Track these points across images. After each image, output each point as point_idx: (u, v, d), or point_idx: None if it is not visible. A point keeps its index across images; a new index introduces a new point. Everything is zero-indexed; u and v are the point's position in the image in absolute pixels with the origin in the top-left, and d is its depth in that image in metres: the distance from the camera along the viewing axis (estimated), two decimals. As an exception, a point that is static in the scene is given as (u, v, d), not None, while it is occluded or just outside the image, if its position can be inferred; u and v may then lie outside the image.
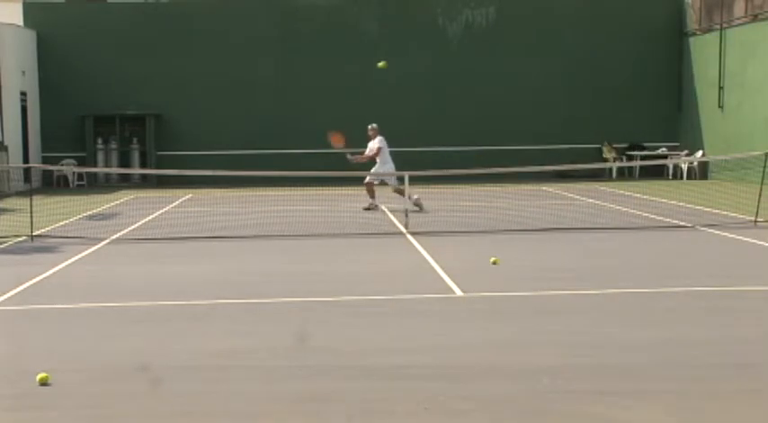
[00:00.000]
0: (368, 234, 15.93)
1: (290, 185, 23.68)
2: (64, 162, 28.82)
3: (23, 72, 28.61)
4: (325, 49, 30.28)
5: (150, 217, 19.17)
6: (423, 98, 30.29)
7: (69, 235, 16.07)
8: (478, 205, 19.85)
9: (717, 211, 18.26)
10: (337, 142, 20.01)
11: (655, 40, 30.89)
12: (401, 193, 18.42)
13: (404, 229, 16.12)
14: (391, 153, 20.04)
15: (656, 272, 11.66)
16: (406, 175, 17.20)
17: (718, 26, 28.25)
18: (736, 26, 27.56)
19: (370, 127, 20.00)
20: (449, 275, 11.39)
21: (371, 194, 19.67)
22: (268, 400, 6.44)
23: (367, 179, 19.59)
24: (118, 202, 23.11)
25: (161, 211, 20.39)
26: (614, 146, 30.21)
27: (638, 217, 17.85)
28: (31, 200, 16.17)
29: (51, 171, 28.13)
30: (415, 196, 18.95)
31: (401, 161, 21.08)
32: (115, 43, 30.01)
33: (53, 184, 28.78)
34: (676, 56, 30.84)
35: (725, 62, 27.78)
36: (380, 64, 12.27)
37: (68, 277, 11.98)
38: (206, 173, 24.76)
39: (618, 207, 19.85)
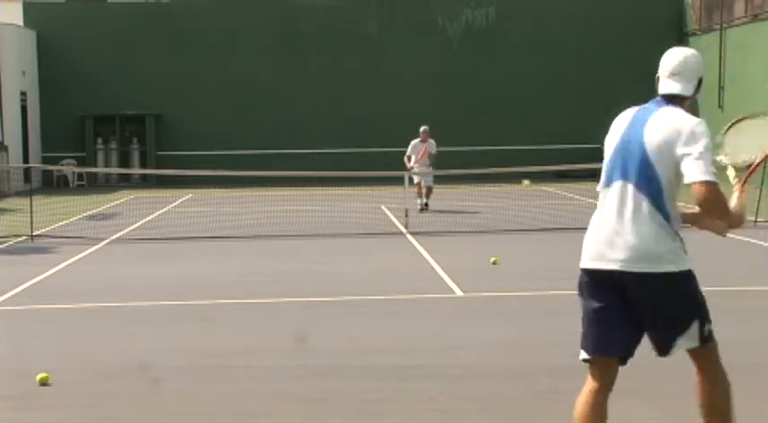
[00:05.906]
0: (368, 234, 15.93)
1: (290, 185, 23.66)
2: (64, 162, 28.82)
3: (23, 72, 28.60)
4: (326, 49, 30.25)
5: (150, 217, 19.17)
6: (422, 98, 30.21)
7: (69, 235, 16.07)
8: (478, 205, 19.84)
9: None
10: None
11: (655, 40, 30.74)
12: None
13: (404, 229, 16.13)
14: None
15: (655, 272, 11.63)
16: (406, 175, 17.21)
17: (718, 26, 28.24)
18: (735, 26, 27.54)
19: (424, 129, 19.93)
20: (449, 275, 11.39)
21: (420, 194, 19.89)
22: (268, 400, 6.44)
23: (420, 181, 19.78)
24: (118, 202, 23.10)
25: (161, 211, 20.39)
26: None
27: (638, 217, 17.81)
28: (30, 200, 16.17)
29: (51, 171, 28.10)
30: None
31: (400, 161, 21.08)
32: (115, 43, 29.98)
33: (53, 184, 28.73)
34: (676, 56, 30.81)
35: (725, 62, 27.76)
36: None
37: (68, 277, 11.98)
38: (206, 173, 24.75)
39: (618, 207, 19.79)
